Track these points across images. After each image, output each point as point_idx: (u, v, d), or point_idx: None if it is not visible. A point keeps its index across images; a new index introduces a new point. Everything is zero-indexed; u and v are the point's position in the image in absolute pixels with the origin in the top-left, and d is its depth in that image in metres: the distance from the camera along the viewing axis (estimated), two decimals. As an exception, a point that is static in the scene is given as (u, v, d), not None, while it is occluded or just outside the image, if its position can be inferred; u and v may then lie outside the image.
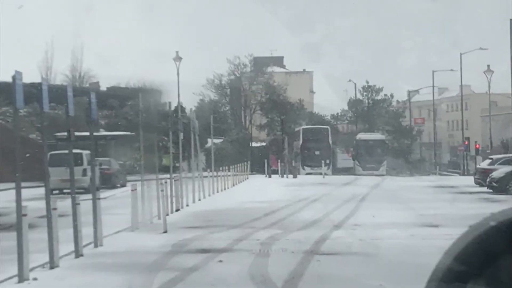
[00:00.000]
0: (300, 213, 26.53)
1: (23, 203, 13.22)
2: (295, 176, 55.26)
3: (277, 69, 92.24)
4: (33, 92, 16.26)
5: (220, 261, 15.10)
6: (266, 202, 31.14)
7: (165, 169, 34.11)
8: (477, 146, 70.80)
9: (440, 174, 72.26)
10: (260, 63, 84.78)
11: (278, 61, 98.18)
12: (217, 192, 38.43)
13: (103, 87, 77.17)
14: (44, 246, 14.51)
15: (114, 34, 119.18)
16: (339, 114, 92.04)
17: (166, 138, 37.17)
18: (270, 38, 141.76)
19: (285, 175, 55.83)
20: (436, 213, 25.80)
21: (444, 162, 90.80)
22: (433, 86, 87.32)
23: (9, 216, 20.52)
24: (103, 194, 25.15)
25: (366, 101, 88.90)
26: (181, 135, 31.67)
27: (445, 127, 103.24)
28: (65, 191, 32.32)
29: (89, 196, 19.06)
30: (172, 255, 16.25)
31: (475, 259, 2.10)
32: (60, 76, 78.49)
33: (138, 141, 26.18)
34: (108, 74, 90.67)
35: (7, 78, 14.36)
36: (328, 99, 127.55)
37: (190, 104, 76.92)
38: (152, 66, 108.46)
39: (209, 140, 51.77)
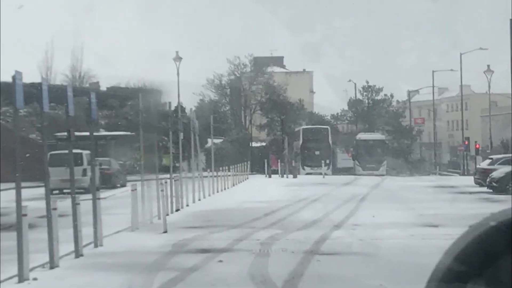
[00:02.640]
0: (300, 213, 26.52)
1: (23, 203, 13.21)
2: (295, 176, 55.25)
3: (277, 69, 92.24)
4: (33, 92, 16.24)
5: (220, 261, 15.10)
6: (266, 202, 31.13)
7: (165, 169, 34.11)
8: (477, 146, 70.79)
9: (440, 174, 72.26)
10: (260, 63, 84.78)
11: (278, 61, 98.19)
12: (217, 192, 38.42)
13: (103, 87, 77.19)
14: (44, 246, 14.51)
15: (114, 34, 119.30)
16: (339, 114, 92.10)
17: (166, 138, 37.17)
18: (270, 38, 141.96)
19: (285, 175, 55.82)
20: (436, 213, 25.80)
21: (444, 162, 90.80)
22: (433, 86, 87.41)
23: (9, 216, 20.52)
24: (103, 194, 25.15)
25: (366, 101, 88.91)
26: (181, 135, 31.67)
27: (445, 127, 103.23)
28: (65, 191, 32.32)
29: (89, 196, 19.06)
30: (172, 255, 16.25)
31: (475, 259, 2.10)
32: (60, 76, 78.57)
33: (138, 141, 26.18)
34: (108, 74, 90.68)
35: (7, 78, 14.37)
36: (328, 99, 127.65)
37: (190, 104, 77.06)
38: (152, 66, 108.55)
39: (209, 140, 51.78)
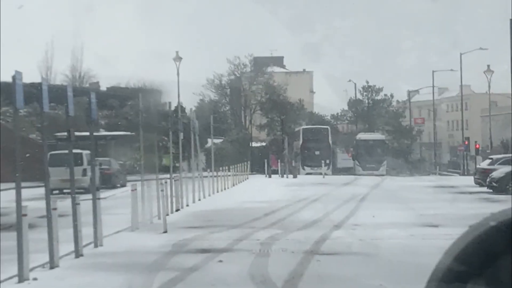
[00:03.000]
0: (300, 213, 26.52)
1: (23, 203, 13.21)
2: (295, 176, 55.25)
3: (277, 69, 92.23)
4: (33, 92, 16.24)
5: (220, 261, 15.10)
6: (266, 202, 31.13)
7: (165, 169, 34.11)
8: (477, 146, 70.79)
9: (440, 174, 72.26)
10: (260, 63, 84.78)
11: (278, 61, 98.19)
12: (217, 192, 38.42)
13: (103, 87, 77.19)
14: (44, 246, 14.51)
15: (114, 34, 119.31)
16: (339, 114, 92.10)
17: (166, 138, 37.17)
18: (270, 38, 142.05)
19: (285, 175, 55.82)
20: (436, 213, 25.80)
21: (444, 162, 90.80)
22: (433, 86, 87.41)
23: (9, 216, 20.52)
24: (103, 194, 25.15)
25: (366, 101, 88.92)
26: (181, 135, 31.67)
27: (445, 127, 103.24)
28: (65, 191, 32.32)
29: (89, 196, 19.06)
30: (172, 255, 16.25)
31: (475, 259, 2.10)
32: (60, 76, 78.57)
33: (138, 141, 26.18)
34: (108, 74, 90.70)
35: (7, 78, 14.37)
36: (328, 99, 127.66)
37: (190, 104, 77.08)
38: (152, 66, 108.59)
39: (209, 140, 51.77)
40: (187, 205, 30.30)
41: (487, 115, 76.70)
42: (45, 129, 17.33)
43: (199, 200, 33.19)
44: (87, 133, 19.80)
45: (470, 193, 36.76)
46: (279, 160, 60.12)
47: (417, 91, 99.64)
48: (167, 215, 23.71)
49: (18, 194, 13.20)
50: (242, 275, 13.48)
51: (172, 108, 39.57)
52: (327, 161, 65.22)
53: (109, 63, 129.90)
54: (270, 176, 55.92)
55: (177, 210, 27.67)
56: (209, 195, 35.90)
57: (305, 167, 66.61)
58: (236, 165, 49.40)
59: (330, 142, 69.85)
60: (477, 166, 50.94)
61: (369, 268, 14.46)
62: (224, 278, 13.36)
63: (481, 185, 38.50)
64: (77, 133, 18.03)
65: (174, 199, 27.45)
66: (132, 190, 22.47)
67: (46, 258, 14.43)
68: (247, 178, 52.36)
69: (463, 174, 67.43)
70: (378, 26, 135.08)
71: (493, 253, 2.09)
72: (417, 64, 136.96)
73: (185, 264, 14.73)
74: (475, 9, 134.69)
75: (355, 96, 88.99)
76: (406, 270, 13.66)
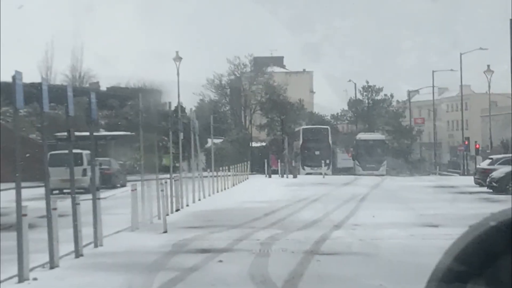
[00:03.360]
0: (300, 213, 26.52)
1: (23, 203, 13.21)
2: (295, 176, 55.25)
3: (277, 69, 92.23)
4: (33, 92, 16.24)
5: (220, 261, 15.10)
6: (266, 202, 31.13)
7: (165, 169, 34.11)
8: (477, 146, 70.79)
9: (440, 174, 72.26)
10: (260, 63, 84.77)
11: (278, 61, 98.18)
12: (217, 192, 38.42)
13: (103, 87, 77.19)
14: (44, 246, 14.51)
15: (114, 34, 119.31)
16: (339, 114, 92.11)
17: (166, 138, 37.17)
18: (270, 38, 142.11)
19: (285, 175, 55.82)
20: (436, 213, 25.80)
21: (444, 162, 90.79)
22: (433, 86, 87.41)
23: (9, 216, 20.52)
24: (103, 194, 25.14)
25: (366, 101, 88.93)
26: (181, 135, 31.67)
27: (445, 127, 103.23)
28: (65, 191, 32.32)
29: (89, 196, 19.06)
30: (172, 255, 16.26)
31: (475, 259, 2.10)
32: (60, 76, 78.56)
33: (138, 141, 26.19)
34: (108, 74, 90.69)
35: (7, 78, 14.37)
36: (328, 99, 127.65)
37: (190, 104, 77.07)
38: (152, 66, 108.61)
39: (209, 140, 51.78)
40: (187, 205, 30.30)
41: (487, 115, 76.70)
42: (45, 129, 17.33)
43: (199, 200, 33.19)
44: (87, 133, 19.80)
45: (470, 193, 36.75)
46: (279, 160, 60.12)
47: (417, 91, 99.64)
48: (167, 215, 23.71)
49: (18, 194, 13.20)
50: (242, 275, 13.48)
51: (172, 108, 39.56)
52: (327, 161, 65.23)
53: (109, 63, 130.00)
54: (270, 176, 55.92)
55: (177, 210, 27.67)
56: (209, 195, 35.90)
57: (305, 167, 66.62)
58: (236, 165, 49.40)
59: (330, 142, 69.86)
60: (477, 166, 50.94)
61: (369, 268, 14.47)
62: (224, 278, 13.36)
63: (481, 185, 38.50)
64: (77, 133, 18.04)
65: (174, 199, 27.45)
66: (132, 190, 22.47)
67: (46, 258, 14.43)
68: (247, 178, 52.36)
69: (463, 174, 67.43)
70: (378, 26, 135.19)
71: (493, 253, 2.09)
72: (417, 64, 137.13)
73: (185, 264, 14.73)
74: (475, 9, 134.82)
75: (355, 96, 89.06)
76: (406, 270, 13.67)
